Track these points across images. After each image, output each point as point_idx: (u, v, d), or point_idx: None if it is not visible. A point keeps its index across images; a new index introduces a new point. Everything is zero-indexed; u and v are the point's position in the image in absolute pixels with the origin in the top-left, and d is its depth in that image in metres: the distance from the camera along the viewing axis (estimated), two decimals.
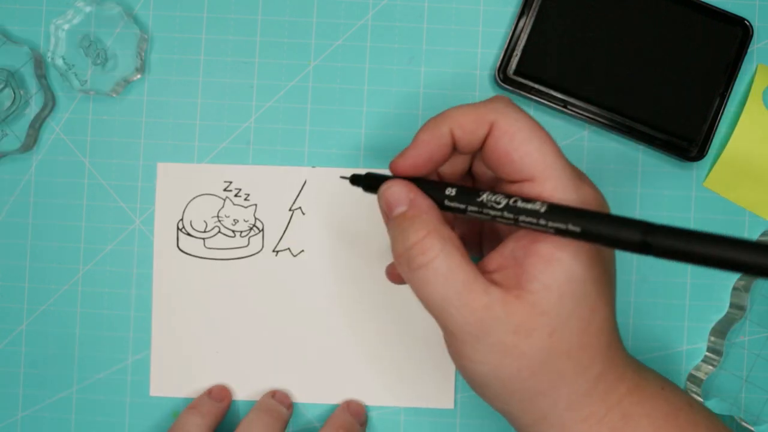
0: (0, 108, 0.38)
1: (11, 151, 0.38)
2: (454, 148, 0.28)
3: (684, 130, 0.38)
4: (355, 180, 0.31)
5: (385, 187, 0.28)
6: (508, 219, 0.26)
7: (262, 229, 0.39)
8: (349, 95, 0.39)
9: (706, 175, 0.39)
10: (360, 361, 0.39)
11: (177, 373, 0.39)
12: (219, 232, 0.39)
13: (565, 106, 0.38)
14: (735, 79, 0.38)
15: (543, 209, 0.25)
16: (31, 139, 0.39)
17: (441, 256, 0.26)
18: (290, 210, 0.39)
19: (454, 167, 0.31)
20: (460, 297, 0.26)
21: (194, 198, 0.39)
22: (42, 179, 0.39)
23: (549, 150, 0.26)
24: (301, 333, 0.39)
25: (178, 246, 0.39)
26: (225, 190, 0.39)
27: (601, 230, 0.24)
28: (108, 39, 0.39)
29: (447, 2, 0.39)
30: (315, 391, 0.39)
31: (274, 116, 0.39)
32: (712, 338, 0.38)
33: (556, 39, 0.38)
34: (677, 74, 0.38)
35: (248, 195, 0.39)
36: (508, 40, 0.38)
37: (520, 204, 0.25)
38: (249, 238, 0.39)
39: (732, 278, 0.39)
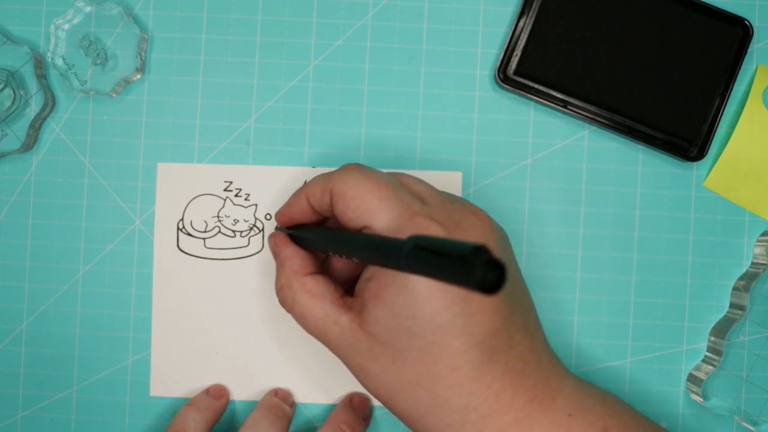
0: (0, 108, 0.38)
1: (11, 151, 0.38)
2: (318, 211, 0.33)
3: (684, 130, 0.38)
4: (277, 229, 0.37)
5: (269, 236, 0.35)
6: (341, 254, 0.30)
7: (262, 229, 0.39)
8: (349, 95, 0.39)
9: (706, 175, 0.39)
10: None
11: (177, 373, 0.39)
12: (219, 232, 0.39)
13: (565, 106, 0.38)
14: (735, 79, 0.38)
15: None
16: (31, 139, 0.39)
17: (293, 304, 0.32)
18: None
19: None
20: (318, 331, 0.31)
21: (194, 198, 0.39)
22: (42, 179, 0.39)
23: (373, 198, 0.29)
24: (301, 333, 0.39)
25: (178, 246, 0.39)
26: (225, 190, 0.39)
27: (361, 254, 0.27)
28: (108, 39, 0.39)
29: (447, 2, 0.39)
30: (315, 391, 0.39)
31: (274, 116, 0.39)
32: (712, 338, 0.38)
33: (556, 39, 0.38)
34: (677, 74, 0.38)
35: (248, 195, 0.39)
36: (508, 40, 0.38)
37: None
38: (249, 238, 0.39)
39: (732, 278, 0.39)
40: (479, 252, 0.18)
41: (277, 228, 0.36)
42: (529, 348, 0.30)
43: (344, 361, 0.31)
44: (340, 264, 0.35)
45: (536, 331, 0.31)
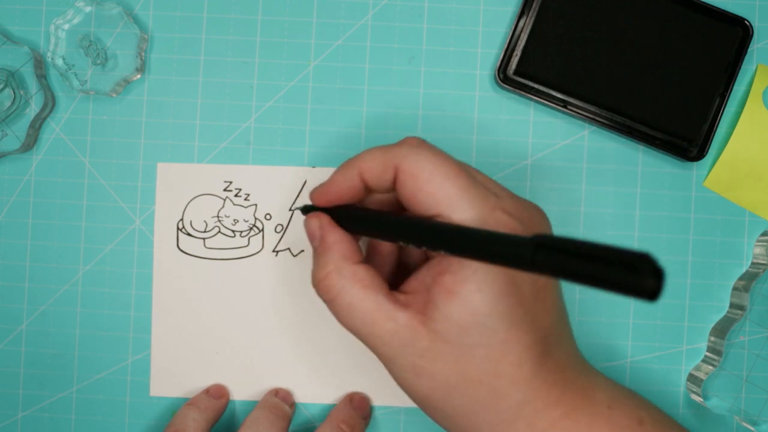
0: (0, 108, 0.38)
1: (11, 151, 0.38)
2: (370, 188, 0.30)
3: (684, 130, 0.38)
4: (305, 210, 0.32)
5: (305, 220, 0.31)
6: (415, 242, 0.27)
7: (262, 229, 0.39)
8: (349, 95, 0.39)
9: (706, 175, 0.39)
10: (360, 360, 0.39)
11: (177, 373, 0.39)
12: (219, 232, 0.39)
13: (565, 106, 0.38)
14: (735, 79, 0.38)
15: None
16: (31, 139, 0.39)
17: (341, 293, 0.28)
18: (290, 210, 0.39)
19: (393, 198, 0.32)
20: (365, 326, 0.28)
21: (194, 198, 0.39)
22: (42, 179, 0.39)
23: (451, 185, 0.27)
24: (301, 333, 0.39)
25: (178, 246, 0.39)
26: (225, 190, 0.39)
27: (474, 248, 0.24)
28: (108, 39, 0.39)
29: (447, 2, 0.39)
30: (315, 391, 0.39)
31: (274, 116, 0.39)
32: (712, 338, 0.38)
33: (556, 39, 0.38)
34: (677, 74, 0.38)
35: (248, 195, 0.39)
36: (508, 40, 0.38)
37: None
38: (249, 238, 0.39)
39: (732, 278, 0.39)
40: (647, 261, 0.18)
41: (307, 208, 0.32)
42: (571, 344, 0.30)
43: (391, 360, 0.28)
44: (380, 257, 0.32)
45: (570, 328, 0.31)
